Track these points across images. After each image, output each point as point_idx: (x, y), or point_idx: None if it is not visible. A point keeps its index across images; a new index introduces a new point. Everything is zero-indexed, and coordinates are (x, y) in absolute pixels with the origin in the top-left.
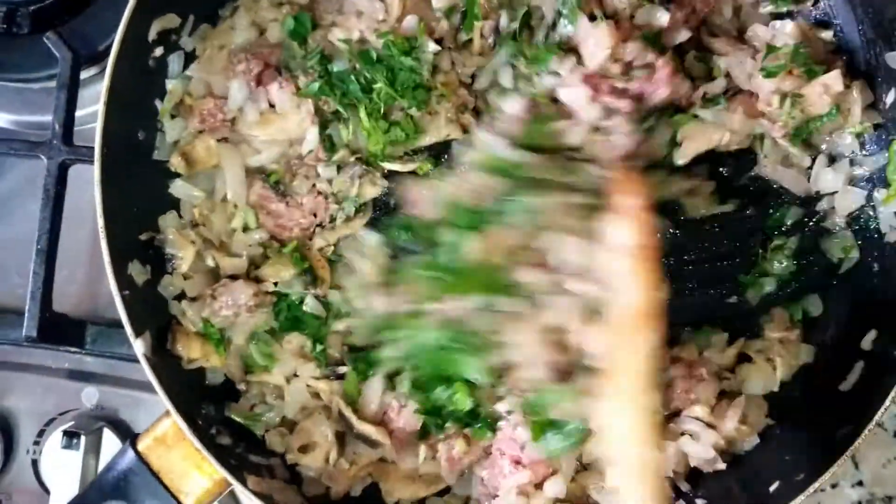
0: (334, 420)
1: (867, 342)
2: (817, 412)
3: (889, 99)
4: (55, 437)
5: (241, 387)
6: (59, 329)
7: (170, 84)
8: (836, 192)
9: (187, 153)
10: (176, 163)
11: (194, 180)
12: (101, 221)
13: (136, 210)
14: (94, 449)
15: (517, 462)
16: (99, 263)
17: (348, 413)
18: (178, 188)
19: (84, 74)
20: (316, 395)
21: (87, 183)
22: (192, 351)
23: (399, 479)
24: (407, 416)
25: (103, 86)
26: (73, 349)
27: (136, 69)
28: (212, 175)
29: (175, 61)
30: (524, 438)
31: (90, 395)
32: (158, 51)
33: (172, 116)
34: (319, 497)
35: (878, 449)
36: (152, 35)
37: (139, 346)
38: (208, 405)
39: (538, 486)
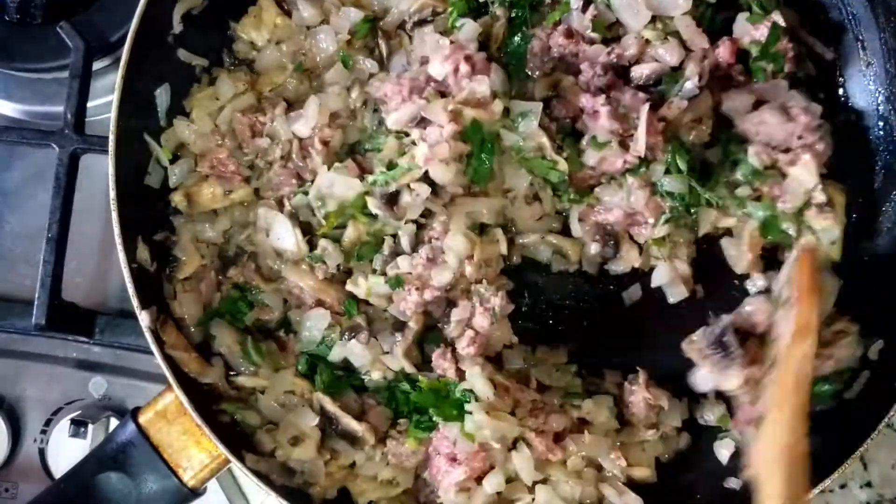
0: (316, 413)
1: (874, 352)
2: (822, 419)
3: None
4: (62, 426)
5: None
6: (67, 318)
7: (163, 122)
8: None
9: (192, 194)
10: (178, 200)
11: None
12: (112, 193)
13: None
14: (102, 438)
15: (453, 459)
16: (109, 255)
17: (332, 408)
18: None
19: (97, 65)
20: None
21: (97, 175)
22: (175, 344)
23: (366, 480)
24: (377, 414)
25: (124, 50)
26: (81, 339)
27: (153, 52)
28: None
29: (163, 95)
30: (455, 433)
31: (98, 385)
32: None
33: (175, 157)
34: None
35: (886, 450)
36: (176, 20)
37: (144, 319)
38: (211, 381)
39: (478, 480)
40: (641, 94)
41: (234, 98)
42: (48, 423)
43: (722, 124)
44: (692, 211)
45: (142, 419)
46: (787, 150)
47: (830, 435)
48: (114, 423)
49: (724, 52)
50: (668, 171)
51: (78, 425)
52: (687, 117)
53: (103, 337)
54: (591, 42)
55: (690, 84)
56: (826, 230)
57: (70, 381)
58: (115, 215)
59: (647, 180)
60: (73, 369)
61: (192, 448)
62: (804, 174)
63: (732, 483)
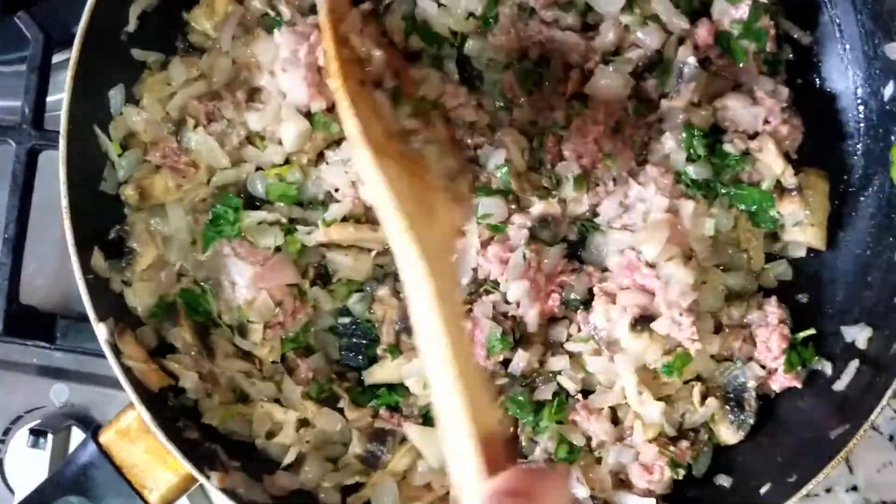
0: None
1: (862, 341)
2: (811, 412)
3: (888, 92)
4: (21, 436)
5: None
6: (26, 322)
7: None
8: None
9: (144, 187)
10: (129, 194)
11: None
12: (64, 201)
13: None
14: (62, 448)
15: None
16: (70, 256)
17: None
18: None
19: (57, 58)
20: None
21: (57, 172)
22: (133, 354)
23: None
24: None
25: (71, 58)
26: (41, 344)
27: (106, 50)
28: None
29: (116, 96)
30: None
31: (59, 392)
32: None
33: (123, 148)
34: (284, 499)
35: (873, 453)
36: (132, 18)
37: (101, 332)
38: (175, 397)
39: None
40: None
41: (187, 84)
42: (6, 432)
43: None
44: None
45: (103, 438)
46: (755, 136)
47: (816, 435)
48: (76, 432)
49: (703, 32)
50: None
51: (37, 435)
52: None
53: (65, 342)
54: (568, 28)
55: (692, 63)
56: (791, 214)
57: (30, 388)
58: (67, 224)
59: (669, 168)
60: (34, 376)
61: (157, 467)
62: (769, 158)
63: None
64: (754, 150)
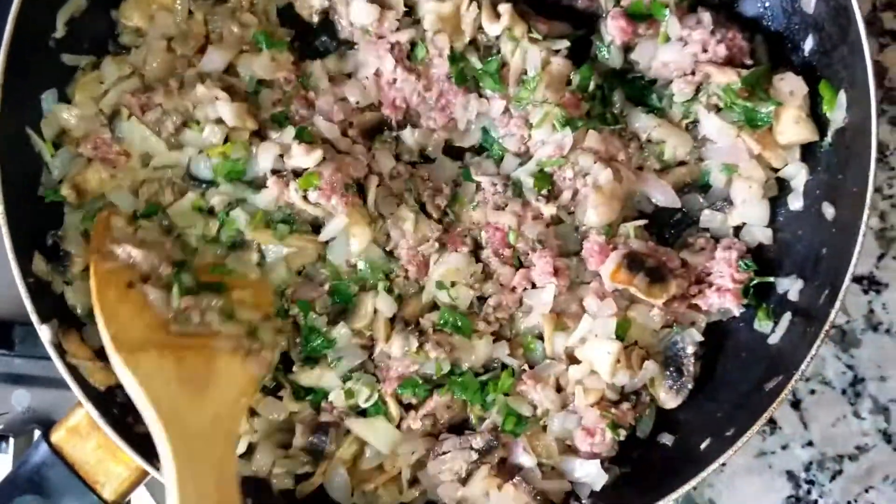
0: None
1: (794, 293)
2: (747, 368)
3: (808, 46)
4: None
5: None
6: None
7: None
8: None
9: (78, 184)
10: (66, 193)
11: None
12: (0, 207)
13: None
14: (25, 451)
15: None
16: None
17: None
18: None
19: None
20: None
21: None
22: (77, 353)
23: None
24: None
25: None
26: (0, 351)
27: (35, 53)
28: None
29: (48, 99)
30: None
31: (21, 397)
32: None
33: (56, 147)
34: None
35: (826, 407)
36: (60, 24)
37: (45, 333)
38: (124, 394)
39: None
40: None
41: (119, 81)
42: None
43: None
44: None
45: (54, 438)
46: (693, 73)
47: (751, 388)
48: (37, 435)
49: (615, 24)
50: None
51: None
52: None
53: (23, 347)
54: None
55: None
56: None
57: None
58: (5, 231)
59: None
60: None
61: (108, 462)
62: (720, 78)
63: None
64: (705, 82)
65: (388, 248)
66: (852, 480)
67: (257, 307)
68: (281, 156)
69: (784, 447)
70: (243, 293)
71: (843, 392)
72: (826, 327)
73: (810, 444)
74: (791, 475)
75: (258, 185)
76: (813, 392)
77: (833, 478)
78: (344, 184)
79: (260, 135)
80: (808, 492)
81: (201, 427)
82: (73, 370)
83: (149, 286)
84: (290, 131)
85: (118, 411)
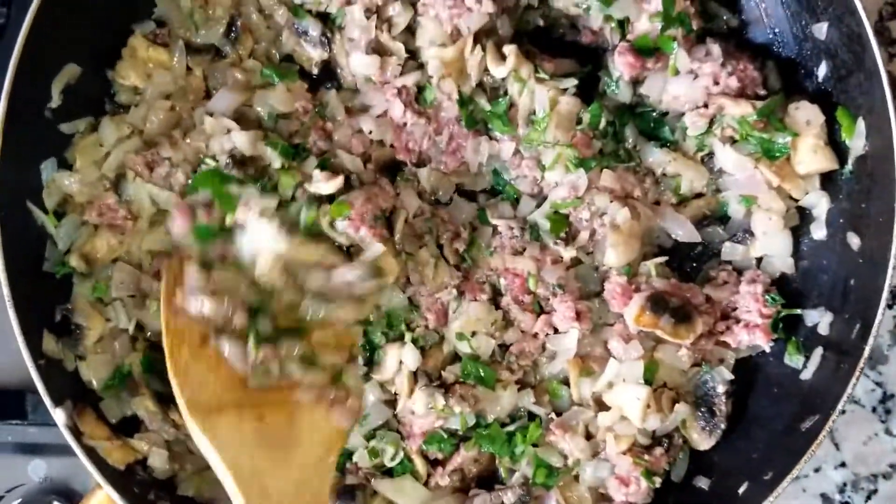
0: None
1: (824, 326)
2: (781, 405)
3: (821, 72)
4: None
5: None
6: None
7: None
8: None
9: (87, 253)
10: (75, 263)
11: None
12: (6, 290)
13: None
14: None
15: None
16: None
17: None
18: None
19: None
20: None
21: None
22: (94, 434)
23: None
24: None
25: None
26: (14, 421)
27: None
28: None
29: (48, 168)
30: None
31: (38, 468)
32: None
33: (59, 217)
34: None
35: (856, 426)
36: (55, 94)
37: (59, 417)
38: (144, 470)
39: None
40: None
41: (119, 142)
42: None
43: None
44: None
45: None
46: (705, 105)
47: (788, 427)
48: None
49: (622, 60)
50: None
51: None
52: None
53: (36, 416)
54: None
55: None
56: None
57: (9, 467)
58: (12, 313)
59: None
60: (10, 454)
61: None
62: (734, 111)
63: None
64: (719, 114)
65: (406, 294)
66: (888, 499)
67: (340, 348)
68: (300, 184)
69: (817, 470)
70: (325, 334)
71: (874, 410)
72: (861, 364)
73: (843, 465)
74: (826, 498)
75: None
76: (843, 412)
77: (868, 497)
78: (373, 216)
79: None
80: None
81: (285, 493)
82: (90, 452)
83: (224, 339)
84: (311, 161)
85: (139, 489)
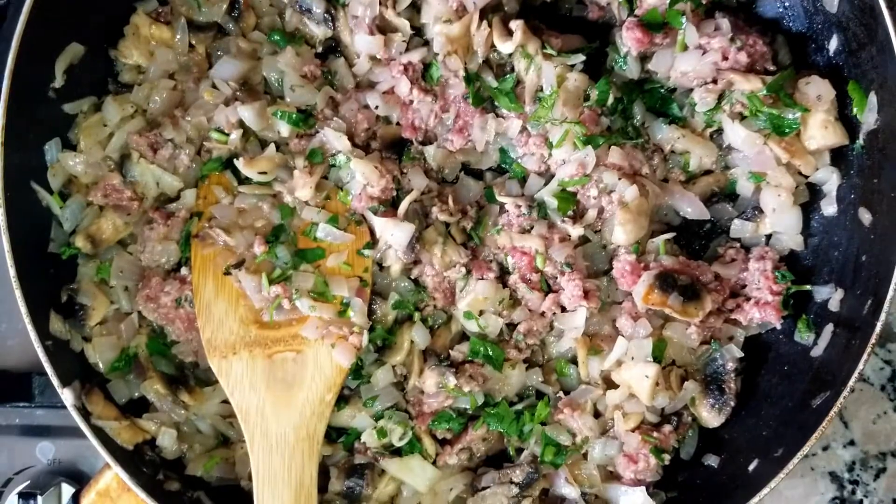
0: None
1: (835, 303)
2: (791, 382)
3: (832, 46)
4: (12, 501)
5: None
6: (3, 385)
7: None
8: None
9: (93, 234)
10: (81, 244)
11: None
12: (12, 271)
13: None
14: None
15: None
16: None
17: None
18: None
19: None
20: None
21: None
22: (103, 414)
23: None
24: None
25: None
26: (21, 404)
27: (35, 106)
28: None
29: (52, 149)
30: None
31: (45, 450)
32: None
33: (64, 198)
34: None
35: (866, 405)
36: (59, 73)
37: (68, 397)
38: (153, 450)
39: None
40: None
41: (124, 121)
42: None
43: None
44: None
45: (85, 502)
46: (714, 81)
47: (799, 404)
48: (66, 489)
49: (631, 35)
50: None
51: (27, 498)
52: None
53: (44, 398)
54: None
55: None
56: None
57: (16, 449)
58: (18, 294)
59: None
60: (18, 437)
61: None
62: (744, 86)
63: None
64: (728, 90)
65: (413, 277)
66: None
67: (352, 272)
68: None
69: (825, 448)
70: (338, 259)
71: (882, 388)
72: (872, 340)
73: (852, 443)
74: (834, 476)
75: None
76: (852, 390)
77: (877, 476)
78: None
79: None
80: (853, 492)
81: (283, 436)
82: (99, 432)
83: (243, 272)
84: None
85: (148, 469)
